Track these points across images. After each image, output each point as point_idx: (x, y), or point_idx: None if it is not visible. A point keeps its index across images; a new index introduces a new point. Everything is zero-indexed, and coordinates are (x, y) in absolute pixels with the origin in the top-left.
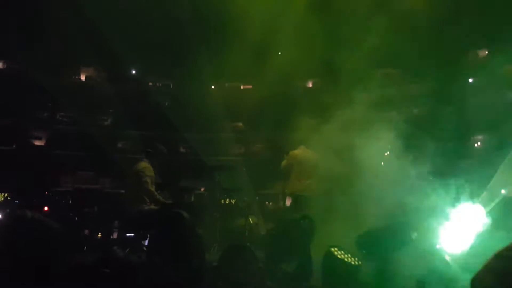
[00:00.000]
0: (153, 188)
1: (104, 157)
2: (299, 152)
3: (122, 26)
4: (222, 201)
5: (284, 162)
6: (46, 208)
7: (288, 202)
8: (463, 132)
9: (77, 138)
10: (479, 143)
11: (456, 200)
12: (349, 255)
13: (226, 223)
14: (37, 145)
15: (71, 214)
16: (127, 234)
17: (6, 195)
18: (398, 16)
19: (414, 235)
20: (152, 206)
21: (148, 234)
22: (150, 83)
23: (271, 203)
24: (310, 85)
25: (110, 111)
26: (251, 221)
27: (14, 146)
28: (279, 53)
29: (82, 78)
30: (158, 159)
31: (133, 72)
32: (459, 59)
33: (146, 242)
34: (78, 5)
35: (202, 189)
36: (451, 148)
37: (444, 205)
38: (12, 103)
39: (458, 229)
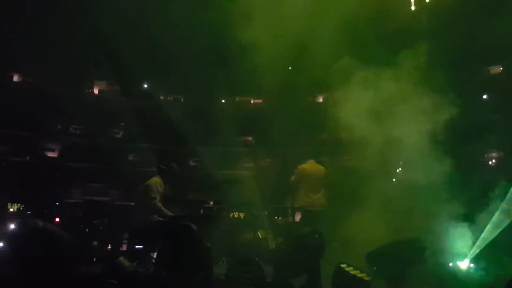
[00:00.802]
0: (160, 204)
1: (115, 169)
2: (308, 166)
3: (135, 41)
4: (231, 215)
5: (293, 177)
6: (57, 219)
7: (297, 217)
8: (478, 148)
9: (89, 150)
10: (493, 160)
11: (470, 217)
12: (358, 271)
13: (235, 237)
14: (50, 157)
15: (81, 225)
16: (136, 246)
17: (19, 205)
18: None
19: (426, 252)
20: (161, 218)
21: (156, 246)
22: (162, 97)
23: (280, 218)
24: (321, 99)
25: (122, 124)
26: (260, 235)
27: (28, 157)
28: (289, 67)
29: (95, 91)
30: (170, 177)
31: (145, 86)
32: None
33: (155, 254)
34: (92, 20)
35: (211, 203)
36: (464, 165)
37: (457, 222)
38: (26, 116)
39: (471, 246)
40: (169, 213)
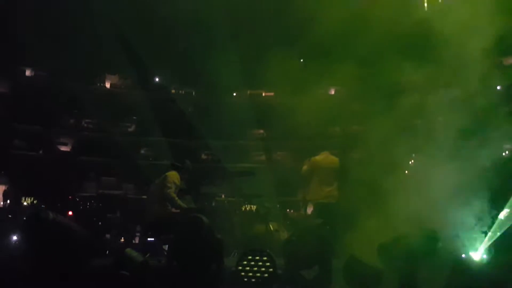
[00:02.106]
0: (175, 195)
1: (127, 163)
2: (321, 158)
3: (146, 34)
4: (243, 207)
5: (304, 167)
6: (70, 213)
7: (309, 209)
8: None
9: (102, 144)
10: (507, 151)
11: (485, 208)
12: (371, 262)
13: (247, 229)
14: (63, 151)
15: (94, 219)
16: (148, 239)
17: (33, 199)
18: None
19: (439, 244)
20: (173, 211)
21: (168, 239)
22: (173, 91)
23: (292, 210)
24: (333, 92)
25: (134, 118)
26: (272, 228)
27: (41, 151)
28: (301, 60)
29: (107, 85)
30: (184, 173)
31: (157, 79)
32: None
33: (167, 247)
34: (103, 14)
35: (223, 196)
36: (479, 156)
37: (471, 213)
38: (39, 110)
39: (485, 238)
40: (183, 205)
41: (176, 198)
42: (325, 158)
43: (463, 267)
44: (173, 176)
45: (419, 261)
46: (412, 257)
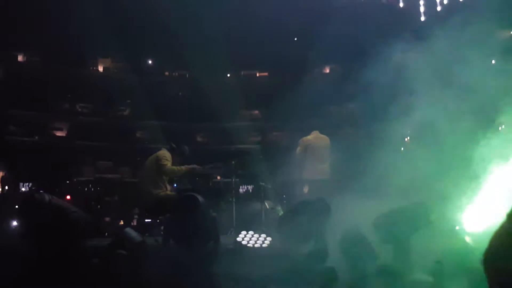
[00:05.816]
0: (173, 167)
1: (123, 147)
2: (312, 137)
3: (138, 17)
4: (240, 188)
5: (298, 149)
6: (68, 197)
7: (305, 189)
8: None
9: (97, 128)
10: (503, 126)
11: (478, 179)
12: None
13: (242, 208)
14: (59, 136)
15: (93, 202)
16: (146, 220)
17: (30, 185)
18: None
19: (433, 216)
20: (168, 192)
21: (165, 219)
22: (167, 73)
23: (287, 190)
24: (327, 71)
25: (128, 101)
26: (267, 206)
27: (37, 137)
28: (295, 39)
29: (100, 69)
30: (178, 156)
31: (150, 62)
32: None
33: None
34: None
35: (218, 178)
36: (473, 126)
37: (465, 184)
38: (33, 95)
39: (479, 209)
40: (186, 168)
41: (176, 168)
42: (315, 137)
43: (457, 239)
44: (164, 153)
45: (413, 234)
46: (406, 230)
